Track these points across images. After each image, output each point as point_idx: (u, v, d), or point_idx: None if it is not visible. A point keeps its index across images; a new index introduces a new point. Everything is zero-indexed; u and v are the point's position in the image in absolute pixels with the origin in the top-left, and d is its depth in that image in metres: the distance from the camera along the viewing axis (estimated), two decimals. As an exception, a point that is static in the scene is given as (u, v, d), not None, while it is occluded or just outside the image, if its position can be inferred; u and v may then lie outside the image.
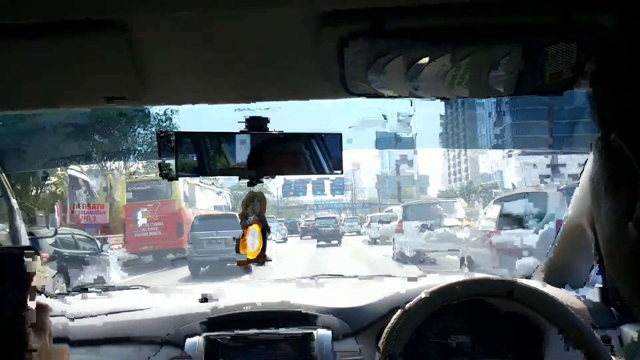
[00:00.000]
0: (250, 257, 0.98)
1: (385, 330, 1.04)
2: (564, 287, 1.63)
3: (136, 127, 20.61)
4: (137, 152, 21.32)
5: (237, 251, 0.97)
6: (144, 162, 23.17)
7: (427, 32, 0.74)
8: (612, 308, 1.47)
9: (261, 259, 0.98)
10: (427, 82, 0.84)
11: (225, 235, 12.83)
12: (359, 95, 0.93)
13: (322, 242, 21.55)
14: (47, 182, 18.24)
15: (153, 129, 21.80)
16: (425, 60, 0.78)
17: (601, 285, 1.52)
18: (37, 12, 0.66)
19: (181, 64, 0.85)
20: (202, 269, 13.14)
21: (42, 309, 0.70)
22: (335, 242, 21.80)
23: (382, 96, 0.92)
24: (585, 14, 0.72)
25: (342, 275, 2.03)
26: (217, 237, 12.99)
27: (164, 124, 21.69)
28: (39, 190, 18.88)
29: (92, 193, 18.98)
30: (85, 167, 19.42)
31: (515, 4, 0.72)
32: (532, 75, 0.82)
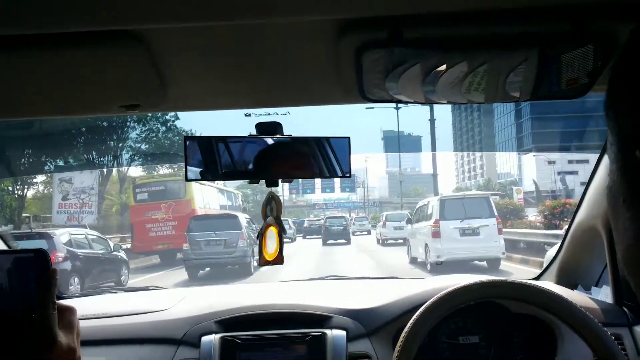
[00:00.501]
0: (269, 259, 1.00)
1: (404, 332, 1.06)
2: (575, 288, 1.64)
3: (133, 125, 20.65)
4: (134, 150, 21.40)
5: (260, 253, 1.00)
6: (141, 160, 22.92)
7: (444, 40, 0.76)
8: (624, 308, 1.48)
9: (279, 260, 1.00)
10: (444, 88, 0.85)
11: (224, 236, 12.55)
12: (375, 101, 0.94)
13: (330, 241, 21.60)
14: (32, 182, 17.95)
15: (154, 128, 21.90)
16: (443, 67, 0.80)
17: (613, 286, 1.52)
18: (55, 23, 0.68)
19: (197, 72, 0.87)
20: (200, 271, 12.69)
21: (69, 310, 0.72)
22: (344, 241, 21.94)
23: (398, 102, 0.94)
24: (601, 21, 0.73)
25: (352, 277, 2.08)
26: (216, 239, 12.61)
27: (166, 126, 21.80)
28: (24, 191, 18.76)
29: (82, 192, 18.37)
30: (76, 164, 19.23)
31: (531, 11, 0.73)
32: (549, 81, 0.83)
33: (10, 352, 0.68)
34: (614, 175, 0.48)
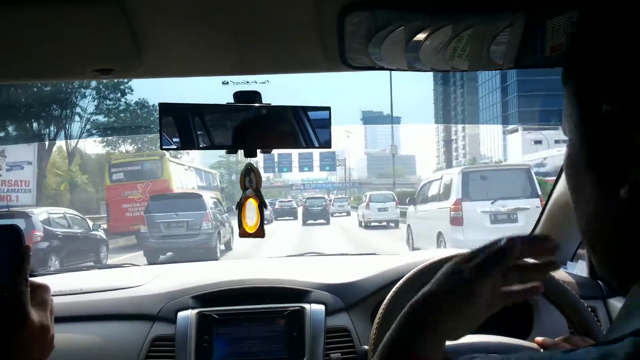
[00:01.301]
0: (250, 231, 0.99)
1: (383, 305, 1.06)
2: None
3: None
4: (86, 121, 20.05)
5: (239, 225, 0.98)
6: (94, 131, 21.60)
7: (429, 2, 0.74)
8: (599, 282, 1.51)
9: (260, 233, 0.99)
10: (427, 54, 0.84)
11: (186, 217, 11.47)
12: (357, 69, 0.93)
13: (310, 221, 21.75)
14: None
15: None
16: (427, 31, 0.78)
17: (588, 260, 1.55)
18: None
19: (174, 35, 0.84)
20: (161, 256, 11.47)
21: (41, 287, 0.72)
22: (323, 221, 22.11)
23: (380, 69, 0.92)
24: None
25: (330, 254, 2.09)
26: (177, 220, 11.47)
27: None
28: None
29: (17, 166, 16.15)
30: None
31: None
32: (533, 47, 0.82)
33: None
34: (574, 145, 0.48)
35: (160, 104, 0.90)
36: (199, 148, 0.93)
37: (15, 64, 0.90)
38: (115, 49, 0.85)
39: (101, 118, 21.20)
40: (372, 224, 19.36)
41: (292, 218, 25.64)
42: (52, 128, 19.74)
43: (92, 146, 24.57)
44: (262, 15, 0.80)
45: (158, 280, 1.58)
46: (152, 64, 0.91)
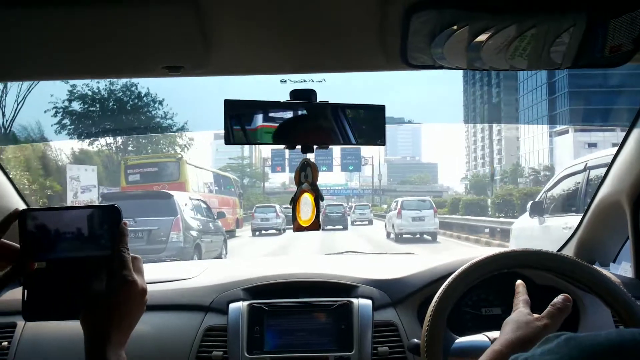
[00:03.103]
0: (304, 224, 1.05)
1: (434, 300, 1.11)
2: (593, 265, 1.70)
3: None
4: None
5: (294, 219, 1.04)
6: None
7: (496, 1, 0.78)
8: None
9: (315, 226, 1.05)
10: (489, 54, 0.89)
11: (149, 225, 8.93)
12: (417, 67, 0.98)
13: (329, 226, 22.37)
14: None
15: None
16: (491, 31, 0.83)
17: (635, 260, 1.57)
18: None
19: (243, 34, 0.90)
20: None
21: (137, 258, 0.82)
22: (341, 227, 22.90)
23: (440, 67, 0.97)
24: None
25: (369, 253, 2.16)
26: (136, 229, 8.68)
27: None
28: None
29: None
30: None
31: None
32: (593, 47, 0.86)
33: (87, 289, 0.77)
34: None
35: (226, 101, 0.95)
36: (260, 143, 0.99)
37: (87, 60, 0.96)
38: (185, 46, 0.90)
39: (118, 118, 21.81)
40: (405, 235, 16.85)
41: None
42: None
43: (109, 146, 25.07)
44: (328, 15, 0.85)
45: (208, 273, 1.65)
46: (220, 62, 0.97)
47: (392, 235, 17.24)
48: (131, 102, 22.15)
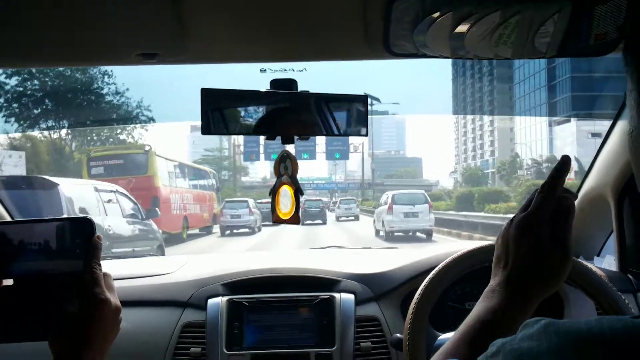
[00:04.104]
0: (284, 217, 1.05)
1: (417, 294, 1.13)
2: (577, 258, 1.75)
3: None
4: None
5: (273, 211, 1.05)
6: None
7: None
8: (629, 275, 1.57)
9: (295, 220, 1.05)
10: (473, 41, 0.90)
11: None
12: (400, 56, 0.98)
13: (308, 221, 22.67)
14: None
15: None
16: (475, 17, 0.85)
17: (619, 253, 1.61)
18: None
19: (220, 20, 0.89)
20: None
21: (107, 274, 0.80)
22: (320, 221, 23.45)
23: (423, 56, 0.98)
24: None
25: (353, 247, 2.18)
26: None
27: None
28: None
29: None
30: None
31: None
32: (578, 35, 0.88)
33: (57, 308, 0.75)
34: (636, 119, 0.51)
35: (203, 89, 0.94)
36: (239, 133, 0.99)
37: (57, 47, 0.94)
38: (161, 32, 0.89)
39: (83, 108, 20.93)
40: (397, 233, 15.84)
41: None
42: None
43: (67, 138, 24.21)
44: (308, 3, 0.85)
45: (186, 269, 1.65)
46: (196, 49, 0.96)
47: (381, 233, 16.25)
48: (89, 88, 21.20)
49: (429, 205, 15.96)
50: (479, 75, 76.74)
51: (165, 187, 16.28)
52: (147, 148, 16.29)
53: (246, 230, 18.76)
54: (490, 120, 79.30)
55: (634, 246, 1.56)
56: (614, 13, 0.83)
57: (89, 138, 24.52)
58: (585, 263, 1.17)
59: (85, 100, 21.06)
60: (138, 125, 24.29)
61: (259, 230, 19.53)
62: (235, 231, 18.83)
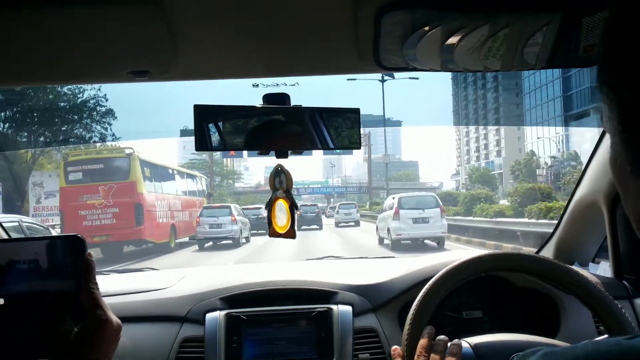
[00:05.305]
0: (280, 231, 1.10)
1: (414, 305, 1.18)
2: (572, 265, 1.80)
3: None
4: None
5: (270, 225, 1.10)
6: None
7: (467, 1, 0.82)
8: (624, 282, 1.62)
9: (291, 234, 1.10)
10: (462, 54, 0.95)
11: None
12: (390, 70, 1.03)
13: (304, 226, 23.55)
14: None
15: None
16: (464, 31, 0.89)
17: (613, 260, 1.66)
18: None
19: (212, 37, 0.91)
20: None
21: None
22: (316, 226, 24.58)
23: (413, 69, 1.03)
24: None
25: (350, 257, 2.23)
26: None
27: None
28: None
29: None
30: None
31: None
32: (567, 47, 0.92)
33: (49, 328, 0.76)
34: (617, 147, 0.52)
35: (196, 106, 0.97)
36: (233, 149, 1.03)
37: (48, 66, 0.97)
38: (151, 49, 0.92)
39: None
40: (405, 242, 14.24)
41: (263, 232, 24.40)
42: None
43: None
44: (299, 17, 0.88)
45: (184, 283, 1.68)
46: (188, 66, 0.98)
47: (386, 241, 14.90)
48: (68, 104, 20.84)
49: (441, 209, 14.49)
50: (482, 91, 76.69)
51: (150, 194, 15.81)
52: (128, 151, 15.71)
53: (228, 241, 16.84)
54: (495, 118, 77.91)
55: (628, 253, 1.59)
56: (600, 25, 0.88)
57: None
58: (581, 271, 1.22)
59: (60, 117, 20.75)
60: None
61: (247, 241, 17.91)
62: (217, 243, 16.91)
